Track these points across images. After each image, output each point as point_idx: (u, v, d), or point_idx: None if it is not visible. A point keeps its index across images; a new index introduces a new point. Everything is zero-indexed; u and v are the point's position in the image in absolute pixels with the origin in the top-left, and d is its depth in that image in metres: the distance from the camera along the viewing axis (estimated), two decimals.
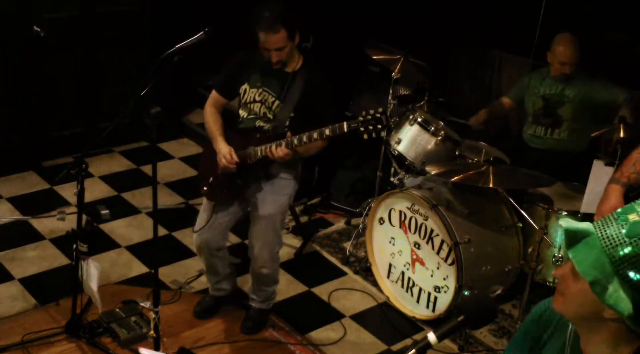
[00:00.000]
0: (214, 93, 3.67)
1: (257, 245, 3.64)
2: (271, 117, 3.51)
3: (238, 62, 3.61)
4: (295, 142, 3.32)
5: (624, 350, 1.55)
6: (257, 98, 3.53)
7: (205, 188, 3.63)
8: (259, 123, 3.54)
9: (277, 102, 3.50)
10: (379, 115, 3.13)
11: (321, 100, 3.47)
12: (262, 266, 3.68)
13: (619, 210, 1.52)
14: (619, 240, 1.45)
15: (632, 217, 1.47)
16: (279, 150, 3.35)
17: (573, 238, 1.51)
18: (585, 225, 1.51)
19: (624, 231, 1.46)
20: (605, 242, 1.47)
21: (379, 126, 3.14)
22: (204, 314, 3.93)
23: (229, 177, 3.53)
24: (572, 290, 1.54)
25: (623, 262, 1.45)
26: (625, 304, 1.45)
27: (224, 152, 3.47)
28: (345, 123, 3.18)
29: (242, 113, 3.59)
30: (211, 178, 3.60)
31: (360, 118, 3.16)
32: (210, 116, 3.63)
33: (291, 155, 3.38)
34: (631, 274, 1.44)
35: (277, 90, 3.50)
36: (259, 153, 3.44)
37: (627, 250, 1.44)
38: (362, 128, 3.15)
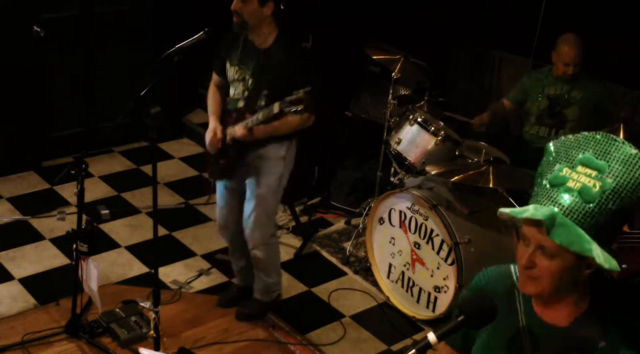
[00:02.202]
0: (213, 74, 3.72)
1: (249, 226, 3.65)
2: (247, 95, 3.52)
3: (225, 40, 3.61)
4: (249, 123, 3.36)
5: (583, 305, 1.70)
6: (236, 77, 3.54)
7: (207, 167, 3.72)
8: (240, 102, 3.54)
9: (251, 80, 3.48)
10: (301, 96, 3.19)
11: (294, 77, 3.37)
12: (255, 248, 3.69)
13: (550, 180, 1.63)
14: (585, 210, 1.57)
15: (572, 184, 1.59)
16: (236, 130, 3.41)
17: (550, 225, 1.58)
18: (546, 210, 1.59)
19: (580, 199, 1.57)
20: (573, 216, 1.57)
21: (299, 108, 3.21)
22: (226, 304, 3.97)
23: (218, 155, 3.56)
24: (550, 270, 1.62)
25: (596, 228, 1.58)
26: (611, 259, 1.57)
27: (210, 128, 3.53)
28: (277, 104, 3.24)
29: (230, 92, 3.61)
30: (212, 158, 3.64)
31: (287, 99, 3.21)
32: (210, 95, 3.70)
33: (254, 135, 3.40)
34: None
35: (252, 68, 3.48)
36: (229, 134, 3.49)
37: (597, 219, 1.56)
38: (290, 109, 3.23)
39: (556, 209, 1.59)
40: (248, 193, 3.62)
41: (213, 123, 3.55)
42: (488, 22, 5.29)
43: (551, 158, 1.68)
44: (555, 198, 1.60)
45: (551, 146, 1.69)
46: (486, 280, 1.88)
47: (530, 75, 4.67)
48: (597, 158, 1.60)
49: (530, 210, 1.62)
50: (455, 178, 3.67)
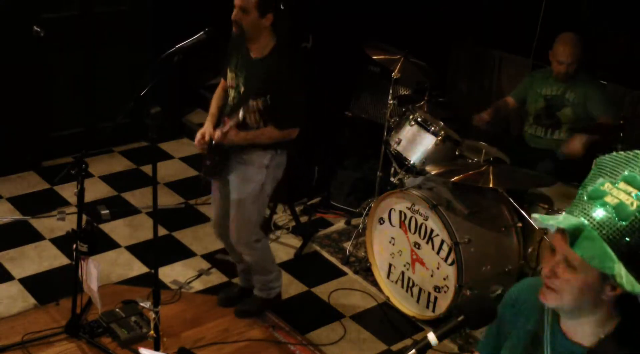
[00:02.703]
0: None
1: (230, 232, 3.71)
2: (235, 101, 3.57)
3: (229, 44, 3.65)
4: (225, 129, 3.42)
5: (608, 327, 1.65)
6: (232, 83, 3.58)
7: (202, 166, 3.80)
8: (229, 108, 3.61)
9: (243, 88, 3.53)
10: (259, 105, 3.34)
11: (280, 91, 3.42)
12: (242, 252, 3.75)
13: (589, 193, 1.59)
14: (616, 227, 1.52)
15: (610, 200, 1.54)
16: (215, 133, 3.47)
17: (573, 236, 1.55)
18: (574, 220, 1.56)
19: (614, 215, 1.53)
20: (602, 231, 1.53)
21: (255, 116, 3.40)
22: (226, 303, 3.99)
23: (207, 155, 3.64)
24: (572, 283, 1.59)
25: (625, 248, 1.52)
26: (634, 283, 1.52)
27: (201, 129, 3.60)
28: (241, 110, 3.32)
29: (228, 97, 3.67)
30: (204, 157, 3.72)
31: (250, 106, 3.34)
32: (214, 96, 3.77)
33: (230, 140, 3.45)
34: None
35: (245, 76, 3.52)
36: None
37: (628, 238, 1.52)
38: (250, 116, 3.38)
39: (586, 221, 1.54)
40: (231, 198, 3.65)
41: (206, 124, 3.62)
42: (488, 22, 5.29)
43: (596, 172, 1.63)
44: (589, 210, 1.56)
45: (599, 160, 1.65)
46: (519, 290, 1.85)
47: (533, 74, 4.67)
48: None
49: (559, 218, 1.59)
50: (455, 178, 3.67)
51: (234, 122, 3.38)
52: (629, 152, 1.62)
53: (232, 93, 3.59)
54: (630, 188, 1.54)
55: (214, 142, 3.49)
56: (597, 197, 1.57)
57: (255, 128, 3.47)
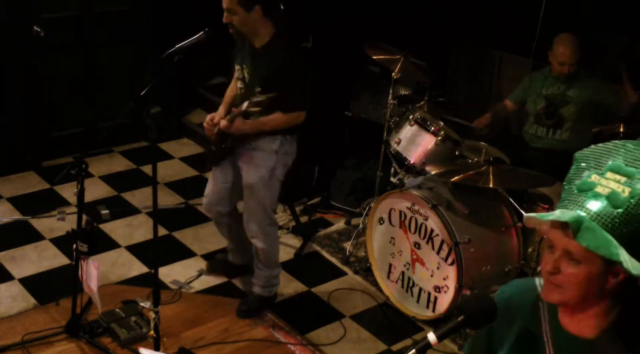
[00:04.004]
0: None
1: (244, 215, 3.82)
2: (242, 92, 3.68)
3: (235, 38, 3.72)
4: (230, 117, 3.54)
5: (611, 317, 1.66)
6: (238, 76, 3.69)
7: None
8: (238, 99, 3.71)
9: (248, 78, 3.62)
10: (263, 99, 3.40)
11: (283, 77, 3.50)
12: (253, 237, 3.82)
13: (578, 186, 1.62)
14: (613, 215, 1.55)
15: (601, 190, 1.58)
16: (221, 122, 3.57)
17: (576, 228, 1.56)
18: (573, 213, 1.58)
19: (608, 204, 1.56)
20: (600, 221, 1.55)
21: (259, 109, 3.47)
22: (213, 269, 4.20)
23: (213, 142, 3.75)
24: (577, 277, 1.60)
25: (625, 235, 1.55)
26: (639, 266, 1.54)
27: (211, 114, 3.73)
28: (246, 103, 3.42)
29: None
30: (210, 143, 3.83)
31: (253, 100, 3.42)
32: (229, 87, 3.90)
33: (236, 128, 3.55)
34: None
35: (249, 67, 3.62)
36: None
37: (626, 225, 1.54)
38: (255, 110, 3.47)
39: (583, 213, 1.57)
40: (243, 184, 3.75)
41: (219, 109, 3.77)
42: (488, 22, 5.29)
43: (580, 166, 1.66)
44: (583, 203, 1.58)
45: (579, 153, 1.68)
46: (511, 292, 1.84)
47: (532, 75, 4.67)
48: (626, 165, 1.58)
49: (556, 213, 1.60)
50: (455, 178, 3.67)
51: (238, 111, 3.48)
52: (607, 143, 1.65)
53: (239, 84, 3.70)
54: (618, 177, 1.57)
55: (220, 129, 3.60)
56: (588, 189, 1.59)
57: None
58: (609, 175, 1.59)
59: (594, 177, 1.60)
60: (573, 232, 1.56)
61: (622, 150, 1.61)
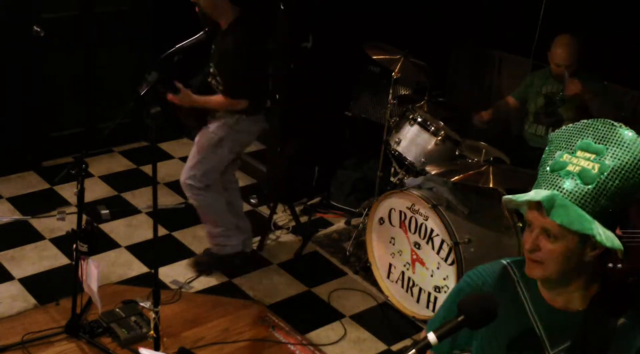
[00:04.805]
0: None
1: (184, 169, 4.04)
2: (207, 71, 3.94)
3: None
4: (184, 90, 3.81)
5: (593, 288, 1.74)
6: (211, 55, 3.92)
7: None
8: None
9: (211, 57, 3.88)
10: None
11: (227, 62, 3.75)
12: (186, 191, 4.04)
13: (550, 166, 1.69)
14: (585, 191, 1.62)
15: (572, 168, 1.64)
16: (171, 96, 3.82)
17: (548, 207, 1.63)
18: (545, 192, 1.65)
19: (579, 181, 1.62)
20: (573, 198, 1.62)
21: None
22: (199, 266, 4.29)
23: (183, 117, 4.07)
24: (555, 252, 1.67)
25: (597, 210, 1.62)
26: (614, 238, 1.63)
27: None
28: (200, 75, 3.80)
29: None
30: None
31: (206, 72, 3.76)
32: None
33: (186, 102, 3.83)
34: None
35: (214, 46, 3.87)
36: None
37: (598, 200, 1.61)
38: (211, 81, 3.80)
39: (556, 192, 1.63)
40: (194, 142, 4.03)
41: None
42: (488, 22, 5.29)
43: (552, 147, 1.73)
44: (556, 182, 1.65)
45: (552, 135, 1.75)
46: (482, 280, 1.86)
47: (534, 73, 4.68)
48: (595, 142, 1.65)
49: (530, 194, 1.67)
50: (455, 178, 3.67)
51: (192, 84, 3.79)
52: (577, 122, 1.72)
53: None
54: (588, 154, 1.64)
55: (172, 102, 3.86)
56: (560, 169, 1.66)
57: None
58: (579, 153, 1.66)
59: (566, 157, 1.67)
60: (546, 210, 1.63)
61: (591, 129, 1.67)
